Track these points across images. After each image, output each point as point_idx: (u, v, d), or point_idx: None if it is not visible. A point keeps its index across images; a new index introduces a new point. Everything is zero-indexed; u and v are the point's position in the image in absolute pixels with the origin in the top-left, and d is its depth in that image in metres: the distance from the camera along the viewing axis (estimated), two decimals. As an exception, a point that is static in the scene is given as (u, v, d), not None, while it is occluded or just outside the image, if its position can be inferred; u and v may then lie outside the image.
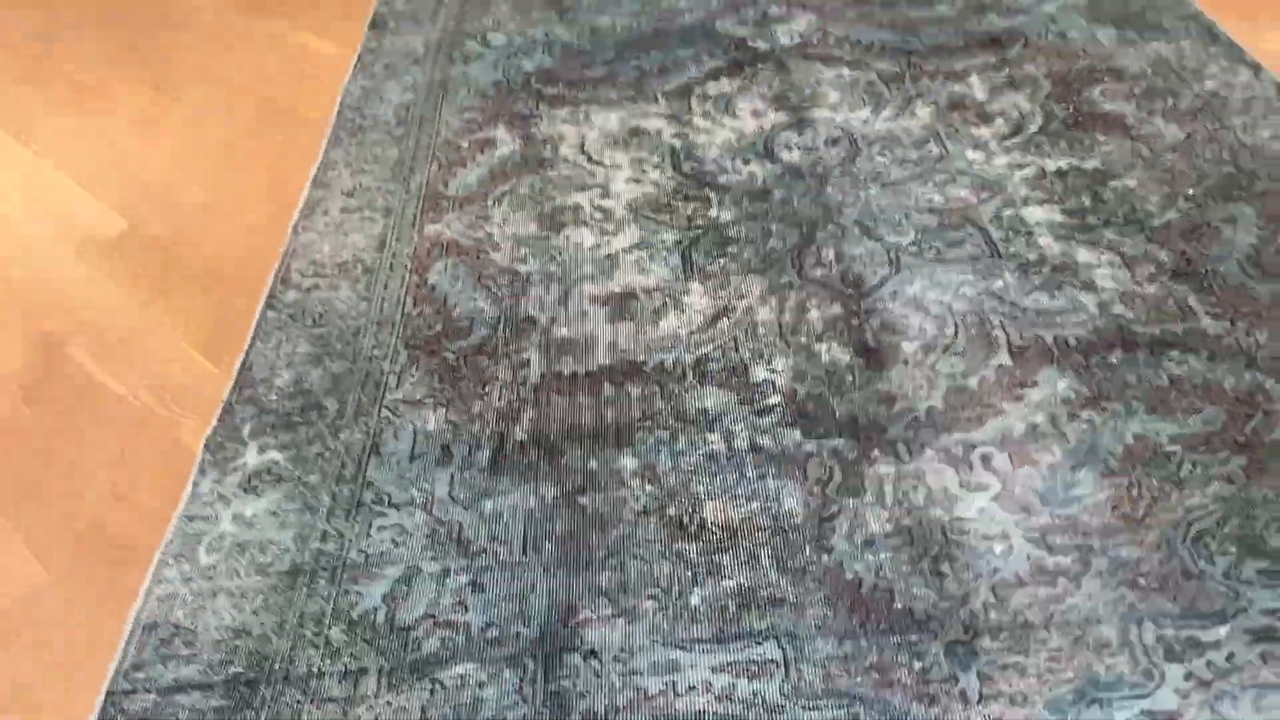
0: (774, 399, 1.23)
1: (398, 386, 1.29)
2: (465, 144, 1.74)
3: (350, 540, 1.10)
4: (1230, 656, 0.93)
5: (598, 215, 1.55)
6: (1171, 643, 0.95)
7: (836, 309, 1.35)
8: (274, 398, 1.29)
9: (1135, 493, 1.08)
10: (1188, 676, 0.92)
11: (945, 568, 1.03)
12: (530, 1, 2.20)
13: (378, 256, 1.50)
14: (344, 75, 1.96)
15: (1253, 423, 1.14)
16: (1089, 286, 1.34)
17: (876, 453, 1.15)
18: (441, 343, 1.35)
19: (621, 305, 1.38)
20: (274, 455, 1.21)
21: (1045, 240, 1.42)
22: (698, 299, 1.38)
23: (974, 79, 1.80)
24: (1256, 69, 1.74)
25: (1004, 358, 1.25)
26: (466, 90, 1.89)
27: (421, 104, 1.86)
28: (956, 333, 1.29)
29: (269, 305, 1.43)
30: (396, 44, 2.07)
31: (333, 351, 1.34)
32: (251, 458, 1.21)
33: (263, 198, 1.66)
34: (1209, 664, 0.93)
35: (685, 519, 1.10)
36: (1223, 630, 0.95)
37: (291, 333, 1.38)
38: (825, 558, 1.05)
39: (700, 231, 1.50)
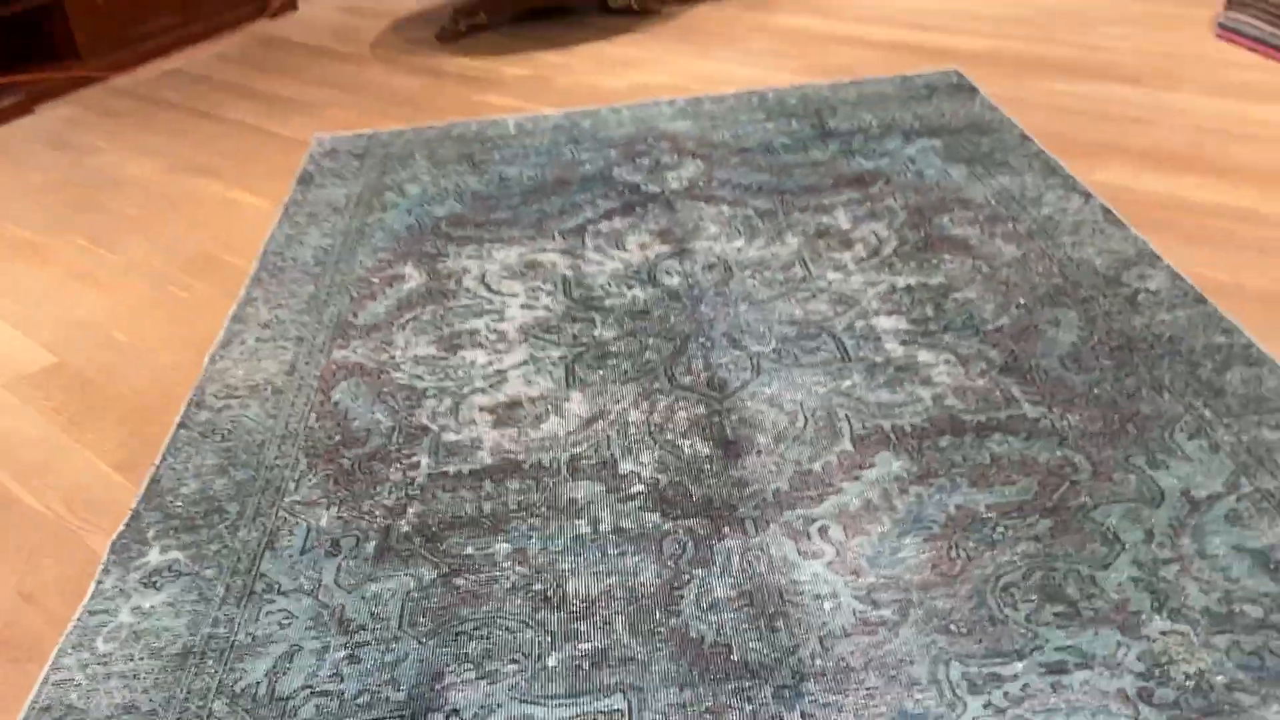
0: (638, 487, 1.35)
1: (295, 490, 1.39)
2: (376, 280, 1.90)
3: (240, 624, 1.19)
4: (1025, 687, 1.04)
5: (492, 337, 1.70)
6: (974, 678, 1.05)
7: (701, 409, 1.48)
8: (179, 505, 1.39)
9: (953, 554, 1.20)
10: (986, 705, 1.02)
11: (780, 624, 1.13)
12: (446, 157, 2.41)
13: (288, 379, 1.63)
14: (270, 225, 2.13)
15: (1059, 491, 1.28)
16: (926, 382, 1.50)
17: (726, 529, 1.27)
18: (339, 451, 1.46)
19: (507, 413, 1.51)
20: (175, 554, 1.31)
21: (891, 345, 1.58)
22: (577, 405, 1.52)
23: (839, 211, 2.00)
24: (1087, 196, 1.96)
25: (846, 445, 1.39)
26: (381, 234, 2.06)
27: (339, 247, 2.03)
28: (805, 425, 1.43)
29: (181, 424, 1.55)
30: (320, 196, 2.26)
31: (237, 462, 1.46)
32: (154, 557, 1.30)
33: (185, 336, 1.79)
34: (1005, 694, 1.03)
35: (549, 593, 1.20)
36: (1020, 665, 1.06)
37: (201, 448, 1.49)
38: (673, 620, 1.15)
39: (584, 348, 1.65)
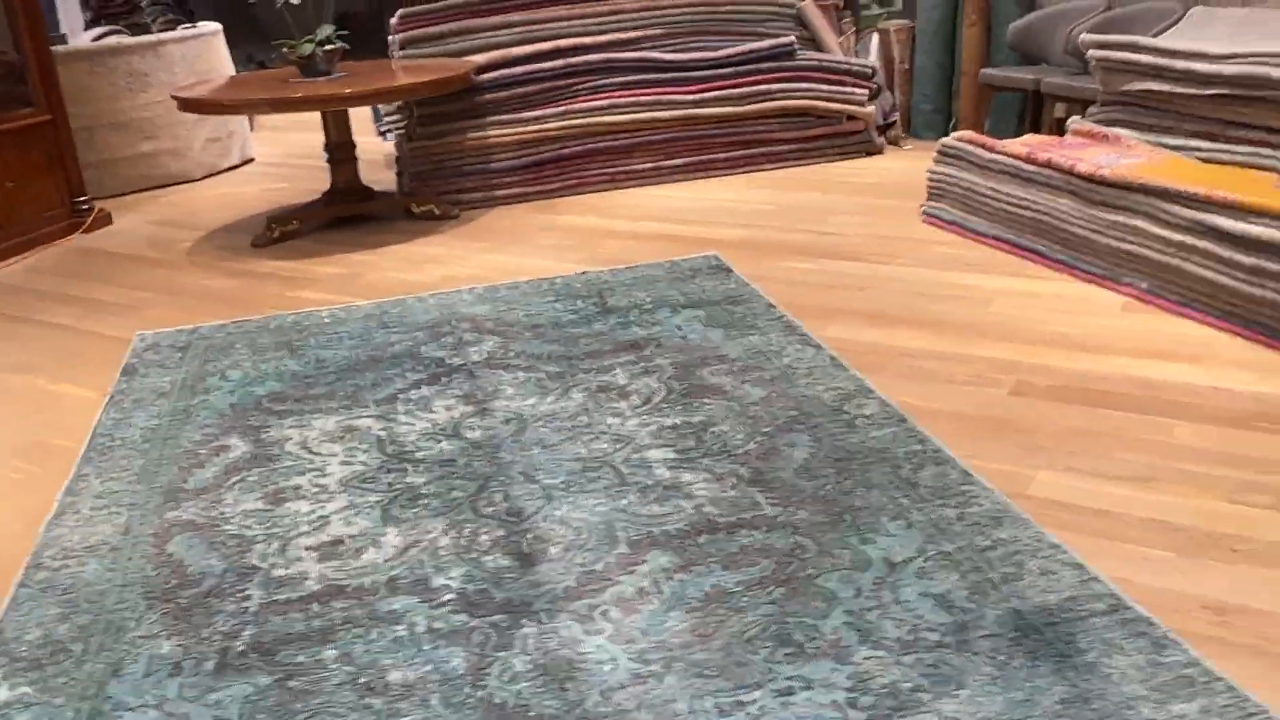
0: (448, 596, 1.58)
1: (136, 627, 1.56)
2: (203, 451, 2.09)
3: (90, 737, 1.34)
4: (761, 707, 1.32)
5: (314, 490, 1.92)
6: (724, 706, 1.32)
7: (501, 532, 1.74)
8: (24, 649, 1.52)
9: (709, 620, 1.48)
10: (732, 724, 1.29)
11: (569, 685, 1.38)
12: (266, 345, 2.65)
13: (123, 539, 1.80)
14: (97, 412, 2.29)
15: (791, 567, 1.59)
16: (689, 496, 1.81)
17: (525, 620, 1.51)
18: (177, 592, 1.64)
19: (330, 549, 1.73)
20: (24, 689, 1.44)
21: (660, 470, 1.90)
22: (393, 538, 1.75)
23: (618, 370, 2.34)
24: (818, 348, 2.37)
25: (623, 548, 1.67)
26: (206, 412, 2.27)
27: (166, 426, 2.22)
28: (589, 536, 1.70)
29: (22, 584, 1.68)
30: (145, 384, 2.44)
31: (79, 610, 1.61)
32: (3, 694, 1.43)
33: (20, 511, 1.93)
34: (747, 714, 1.31)
35: (372, 683, 1.41)
36: (758, 693, 1.34)
37: (43, 601, 1.63)
38: (480, 692, 1.38)
39: (398, 493, 1.89)
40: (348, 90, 3.44)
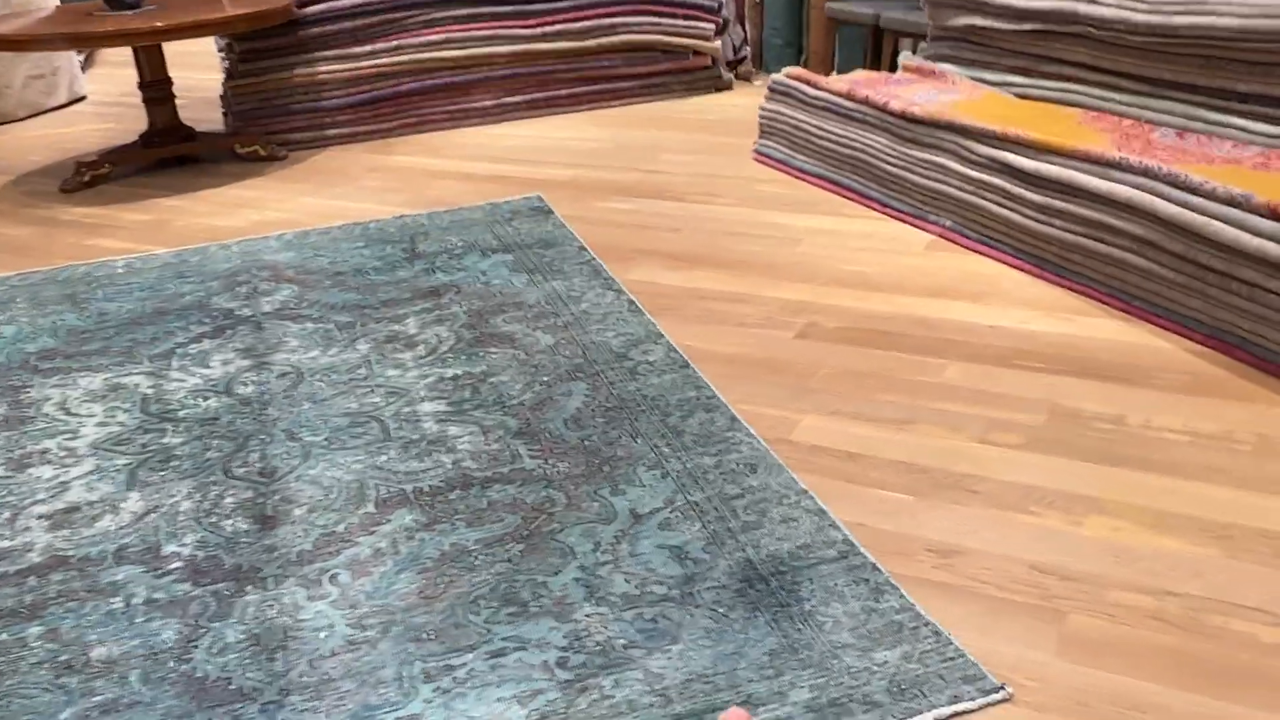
0: (176, 565, 1.51)
1: None
2: (-48, 414, 1.97)
3: None
4: (470, 671, 1.28)
5: (62, 453, 1.82)
6: (431, 671, 1.29)
7: (249, 494, 1.67)
8: None
9: (439, 580, 1.44)
10: (435, 689, 1.26)
11: (278, 655, 1.33)
12: (48, 298, 2.51)
13: None
14: None
15: (536, 522, 1.55)
16: (451, 451, 1.76)
17: (250, 588, 1.45)
18: (-115, 569, 1.54)
19: (64, 517, 1.64)
20: None
21: (429, 425, 1.84)
22: (133, 504, 1.67)
23: (410, 320, 2.27)
24: (619, 293, 2.33)
25: (370, 507, 1.61)
26: (-35, 372, 2.14)
27: (-81, 388, 2.08)
28: (338, 496, 1.64)
29: None
30: (-94, 343, 2.29)
31: None
32: None
33: None
34: (454, 678, 1.27)
35: (72, 662, 1.34)
36: (470, 656, 1.30)
37: None
38: (184, 667, 1.32)
39: (150, 454, 1.81)
40: (156, 24, 3.25)
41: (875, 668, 1.25)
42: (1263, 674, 1.20)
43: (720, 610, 1.35)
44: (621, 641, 1.31)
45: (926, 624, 1.31)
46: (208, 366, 2.12)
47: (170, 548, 1.55)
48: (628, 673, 1.26)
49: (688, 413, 1.83)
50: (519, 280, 2.45)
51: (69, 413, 1.96)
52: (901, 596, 1.36)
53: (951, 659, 1.26)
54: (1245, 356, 1.86)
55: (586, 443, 1.76)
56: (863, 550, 1.44)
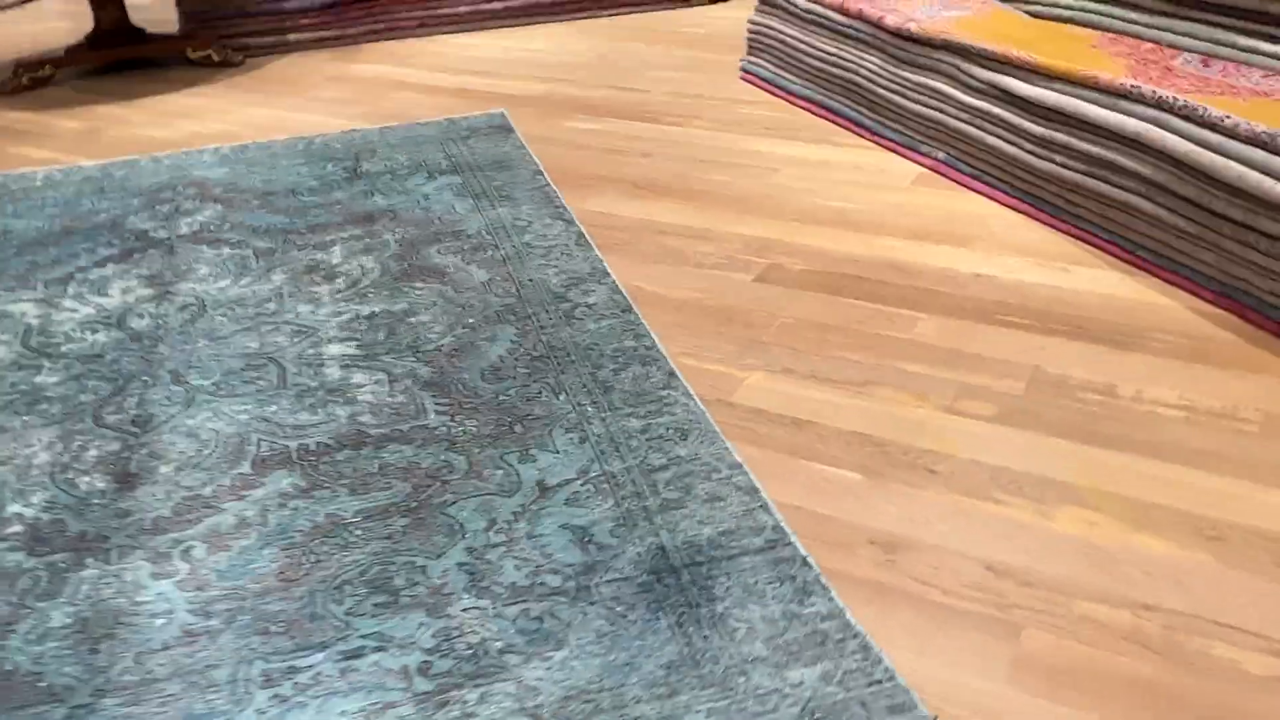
0: (15, 528, 1.32)
1: None
2: None
3: None
4: (316, 675, 1.09)
5: (-77, 391, 1.63)
6: (272, 673, 1.10)
7: (115, 446, 1.48)
8: None
9: (305, 560, 1.25)
10: (273, 697, 1.07)
11: (102, 647, 1.14)
12: (-47, 212, 2.29)
13: None
14: None
15: (429, 492, 1.35)
16: (350, 402, 1.55)
17: (90, 561, 1.26)
18: None
19: (-96, 466, 1.45)
20: None
21: (332, 370, 1.64)
22: (-13, 453, 1.47)
23: (336, 248, 2.05)
24: (569, 223, 2.10)
25: (245, 467, 1.42)
26: None
27: None
28: (213, 452, 1.45)
29: None
30: None
31: None
32: None
33: None
34: (295, 684, 1.08)
35: None
36: (320, 656, 1.11)
37: None
38: (-6, 655, 1.14)
39: (18, 395, 1.61)
40: (94, -87, 2.98)
41: (788, 690, 1.05)
42: (1247, 714, 1.00)
43: (618, 609, 1.16)
44: (498, 644, 1.12)
45: (855, 635, 1.11)
46: (105, 295, 1.91)
47: (13, 508, 1.36)
48: (498, 684, 1.07)
49: (622, 365, 1.62)
50: (463, 206, 2.22)
51: (-58, 344, 1.76)
52: (830, 600, 1.16)
53: (879, 681, 1.06)
54: (1258, 319, 1.63)
55: (502, 397, 1.55)
56: (793, 540, 1.24)
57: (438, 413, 1.52)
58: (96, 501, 1.37)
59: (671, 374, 1.59)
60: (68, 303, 1.90)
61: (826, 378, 1.56)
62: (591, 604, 1.17)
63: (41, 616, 1.19)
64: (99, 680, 1.10)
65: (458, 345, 1.70)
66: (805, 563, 1.21)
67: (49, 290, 1.94)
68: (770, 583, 1.19)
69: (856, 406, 1.49)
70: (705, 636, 1.12)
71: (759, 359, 1.62)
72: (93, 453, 1.47)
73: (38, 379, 1.66)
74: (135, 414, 1.55)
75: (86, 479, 1.42)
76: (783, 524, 1.27)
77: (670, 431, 1.46)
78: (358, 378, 1.62)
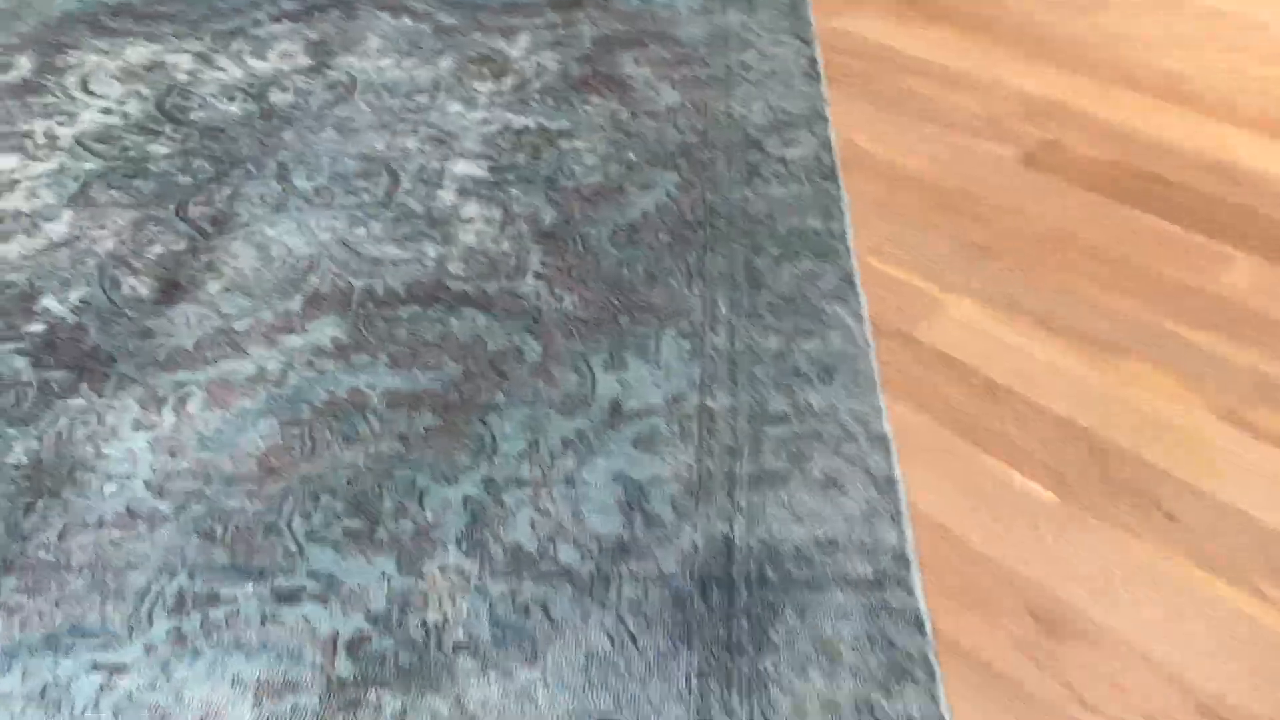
0: (36, 327, 1.16)
1: None
2: (-24, 67, 1.69)
3: None
4: (233, 614, 0.86)
5: (41, 142, 1.49)
6: (187, 594, 0.87)
7: (181, 246, 1.28)
8: None
9: (299, 445, 1.00)
10: (171, 630, 0.84)
11: (38, 506, 0.96)
12: (172, -60, 2.14)
13: None
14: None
15: (477, 383, 1.06)
16: (447, 241, 1.26)
17: (84, 388, 1.08)
18: None
19: (-22, 228, 1.32)
20: None
21: (446, 194, 1.35)
22: (61, 226, 1.32)
23: (522, 37, 1.72)
24: (805, 44, 1.65)
25: (296, 304, 1.17)
26: (25, 19, 1.84)
27: (-25, 28, 1.81)
28: (272, 275, 1.21)
29: None
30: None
31: None
32: None
33: None
34: (204, 619, 0.85)
35: None
36: (249, 587, 0.87)
37: None
38: (-64, 486, 0.98)
39: (122, 163, 1.44)
40: None
41: (810, 836, 0.70)
42: None
43: (631, 626, 0.83)
44: (458, 635, 0.83)
45: (946, 771, 0.73)
46: (262, 58, 1.70)
47: (47, 301, 1.19)
48: (429, 698, 0.78)
49: (789, 254, 1.21)
50: (685, 5, 1.80)
51: (86, 90, 1.62)
52: (933, 697, 0.77)
53: None
54: None
55: (624, 271, 1.20)
56: (915, 584, 0.85)
57: (538, 275, 1.20)
58: (128, 313, 1.18)
59: (848, 279, 1.18)
60: (222, 60, 1.69)
61: (1062, 327, 1.09)
62: (602, 606, 0.85)
63: (3, 446, 1.02)
64: (12, 550, 0.92)
65: (602, 187, 1.35)
66: (918, 624, 0.82)
67: (213, 43, 1.75)
68: (856, 645, 0.81)
69: (1087, 381, 1.02)
70: (730, 710, 0.77)
71: (977, 278, 1.16)
72: (156, 250, 1.27)
73: (150, 147, 1.48)
74: (220, 209, 1.34)
75: (133, 282, 1.22)
76: (909, 552, 0.87)
77: (812, 365, 1.06)
78: (470, 209, 1.31)
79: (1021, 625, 0.82)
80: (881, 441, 0.97)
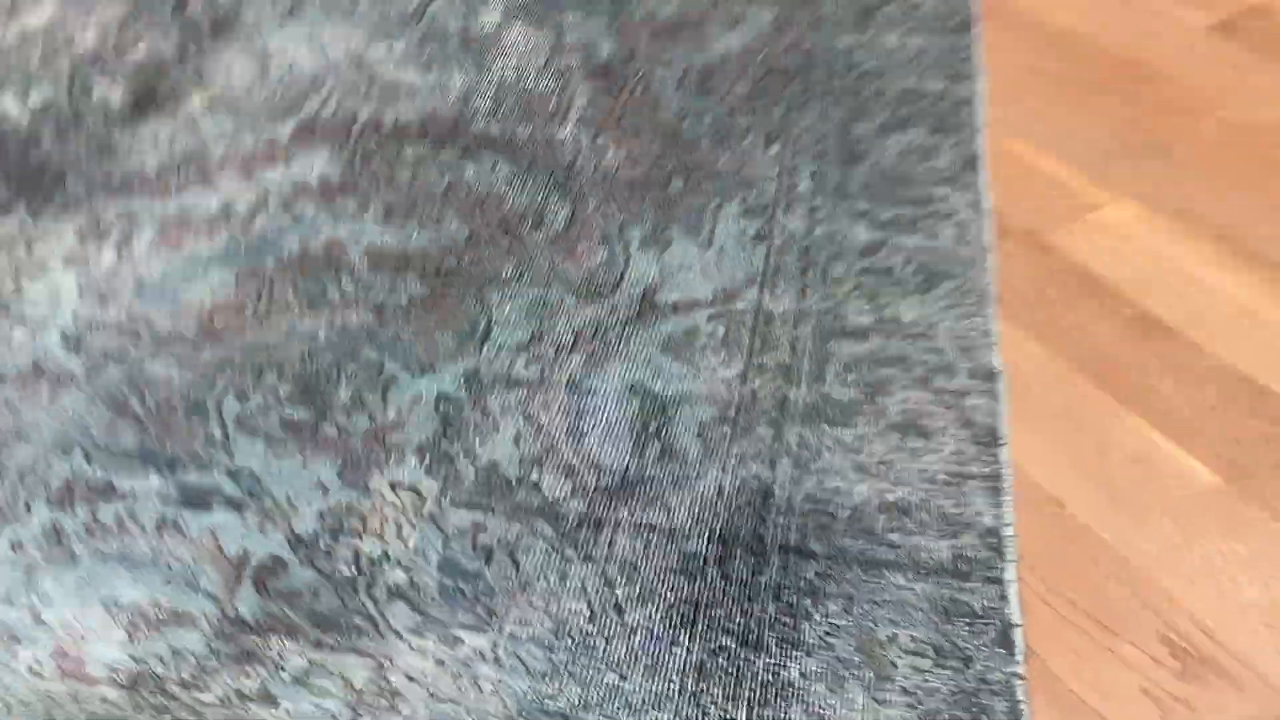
0: (34, 102, 0.97)
1: None
2: None
3: None
4: (124, 514, 0.67)
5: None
6: (76, 486, 0.70)
7: (169, 49, 1.07)
8: None
9: (253, 304, 0.80)
10: (50, 528, 0.67)
11: (-66, 346, 0.78)
12: None
13: None
14: None
15: (481, 252, 0.84)
16: (479, 68, 1.03)
17: (21, 207, 0.90)
18: None
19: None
20: None
21: (491, 14, 1.11)
22: (42, 13, 1.12)
23: None
24: None
25: (286, 129, 0.96)
26: None
27: None
28: (265, 92, 1.00)
29: None
30: None
31: None
32: None
33: None
34: (88, 518, 0.67)
35: None
36: (153, 481, 0.69)
37: None
38: None
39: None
40: None
41: None
42: None
43: (618, 594, 0.62)
44: (397, 578, 0.63)
45: None
46: None
47: (5, 99, 1.00)
48: (343, 657, 0.60)
49: (899, 122, 0.95)
50: None
51: None
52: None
53: None
54: None
55: (688, 123, 0.96)
56: (1008, 581, 0.62)
57: (580, 122, 0.96)
58: (90, 121, 0.98)
59: (971, 161, 0.91)
60: None
61: (1253, 252, 0.82)
62: (587, 561, 0.64)
63: (-87, 272, 0.84)
64: None
65: (679, 19, 1.09)
66: (1006, 639, 0.60)
67: None
68: (917, 656, 0.59)
69: (1274, 322, 0.76)
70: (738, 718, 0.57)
71: (1143, 178, 0.89)
72: (140, 51, 1.07)
73: (161, -68, 1.26)
74: (224, 11, 1.12)
75: (105, 84, 1.02)
76: (1006, 533, 0.64)
77: (909, 267, 0.82)
78: (514, 33, 1.07)
79: (1150, 658, 0.59)
80: (988, 379, 0.73)
